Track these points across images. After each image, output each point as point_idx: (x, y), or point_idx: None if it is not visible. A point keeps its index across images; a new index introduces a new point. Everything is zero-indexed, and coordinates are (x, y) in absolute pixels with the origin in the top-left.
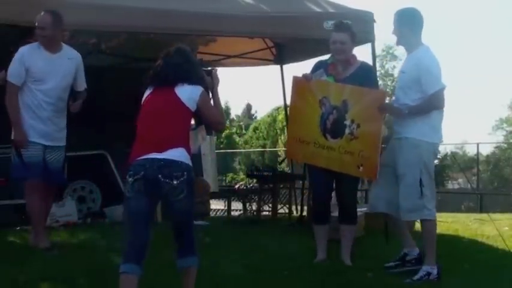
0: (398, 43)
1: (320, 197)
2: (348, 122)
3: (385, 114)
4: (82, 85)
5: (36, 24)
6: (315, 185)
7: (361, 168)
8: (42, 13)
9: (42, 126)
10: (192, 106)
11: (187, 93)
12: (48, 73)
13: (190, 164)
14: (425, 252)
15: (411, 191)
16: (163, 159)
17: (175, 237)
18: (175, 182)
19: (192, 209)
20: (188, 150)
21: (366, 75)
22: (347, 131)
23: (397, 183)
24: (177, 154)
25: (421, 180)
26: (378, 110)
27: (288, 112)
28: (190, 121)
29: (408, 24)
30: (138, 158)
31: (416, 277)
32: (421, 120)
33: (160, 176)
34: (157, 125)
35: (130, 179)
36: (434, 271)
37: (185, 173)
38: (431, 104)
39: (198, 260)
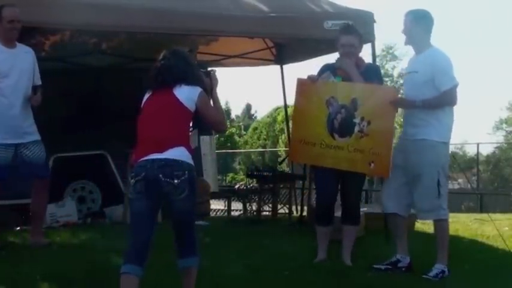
0: (407, 43)
1: (325, 200)
2: (357, 120)
3: (397, 110)
4: (39, 79)
5: (8, 18)
6: (320, 187)
7: (372, 165)
8: (7, 7)
9: (13, 124)
10: (191, 106)
11: (186, 94)
12: (12, 68)
13: (192, 163)
14: (438, 251)
15: (429, 192)
16: (164, 159)
17: (176, 238)
18: (176, 181)
19: (193, 208)
20: (189, 149)
21: (373, 76)
22: (356, 128)
23: (408, 183)
24: (178, 153)
25: (438, 180)
26: (390, 105)
27: (292, 114)
28: (190, 121)
29: (422, 25)
30: (140, 160)
31: (431, 274)
32: (437, 121)
33: (161, 175)
34: (157, 125)
35: (132, 181)
36: (446, 269)
37: (186, 172)
38: (444, 100)
39: (199, 261)
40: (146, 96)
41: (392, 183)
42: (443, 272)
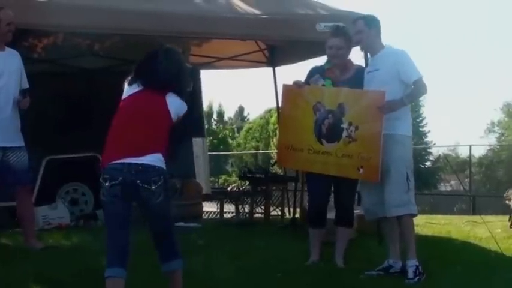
0: (363, 48)
1: (317, 202)
2: (345, 125)
3: (386, 113)
4: (26, 82)
5: (6, 20)
6: (313, 190)
7: (361, 170)
8: (4, 10)
9: (2, 127)
10: (174, 118)
11: (176, 106)
12: (3, 70)
13: (165, 167)
14: (408, 246)
15: (398, 187)
16: (142, 164)
17: (156, 243)
18: (153, 187)
19: (170, 212)
20: (165, 155)
21: (362, 79)
22: (344, 134)
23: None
24: (154, 159)
25: (407, 174)
26: (379, 110)
27: (279, 120)
28: (170, 129)
29: (375, 28)
30: (114, 162)
31: (410, 275)
32: (401, 115)
33: (138, 181)
34: (140, 129)
35: (106, 184)
36: (417, 263)
37: (162, 177)
38: (420, 90)
39: (183, 262)
40: (129, 90)
41: (372, 186)
42: (417, 266)
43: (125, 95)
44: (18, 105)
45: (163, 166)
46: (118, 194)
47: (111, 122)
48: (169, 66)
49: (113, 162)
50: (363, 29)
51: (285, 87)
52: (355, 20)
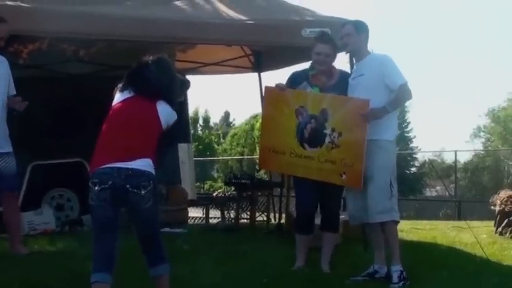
0: (349, 51)
1: (305, 208)
2: (328, 131)
3: (370, 121)
4: (13, 88)
5: None
6: (300, 196)
7: (344, 176)
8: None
9: None
10: (164, 126)
11: (167, 114)
12: None
13: (154, 173)
14: (392, 252)
15: (381, 193)
16: (131, 168)
17: (143, 248)
18: (143, 192)
19: (158, 217)
20: (154, 161)
21: (347, 83)
22: (327, 139)
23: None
24: (143, 164)
25: (390, 181)
26: (362, 117)
27: (261, 122)
28: (159, 136)
29: (364, 33)
30: (104, 166)
31: (395, 280)
32: (388, 120)
33: (128, 186)
34: (130, 135)
35: (96, 188)
36: (402, 268)
37: (151, 182)
38: (404, 95)
39: (169, 266)
40: (120, 97)
41: (357, 192)
42: (401, 272)
43: (115, 101)
44: (15, 106)
45: (153, 171)
46: (107, 199)
47: (97, 127)
48: (161, 76)
49: (103, 166)
50: (352, 33)
51: (267, 89)
52: (345, 24)
